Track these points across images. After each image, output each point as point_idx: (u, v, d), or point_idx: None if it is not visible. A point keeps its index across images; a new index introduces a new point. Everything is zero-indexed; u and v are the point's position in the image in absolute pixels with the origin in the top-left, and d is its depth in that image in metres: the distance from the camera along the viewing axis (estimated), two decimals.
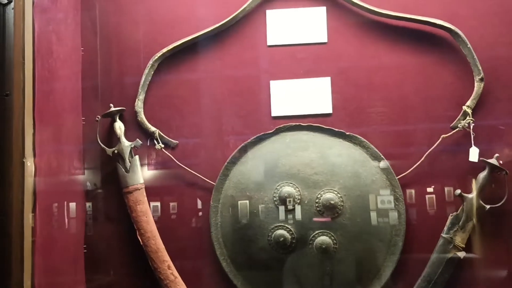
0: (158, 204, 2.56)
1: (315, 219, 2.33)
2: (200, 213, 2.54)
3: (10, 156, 1.87)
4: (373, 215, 2.36)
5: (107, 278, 2.57)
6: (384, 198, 2.38)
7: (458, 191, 2.32)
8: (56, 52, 2.34)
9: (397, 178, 2.41)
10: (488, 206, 2.29)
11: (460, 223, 2.31)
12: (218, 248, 2.47)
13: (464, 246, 2.30)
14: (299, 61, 2.55)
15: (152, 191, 2.55)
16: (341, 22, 2.55)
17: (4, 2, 1.90)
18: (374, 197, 2.37)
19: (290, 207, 2.35)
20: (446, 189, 2.39)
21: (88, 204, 2.59)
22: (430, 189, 2.41)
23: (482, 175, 2.32)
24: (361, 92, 2.53)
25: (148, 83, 2.59)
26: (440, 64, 2.48)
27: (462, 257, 2.29)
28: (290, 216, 2.35)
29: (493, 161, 2.30)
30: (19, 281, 1.87)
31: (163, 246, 2.48)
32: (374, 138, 2.48)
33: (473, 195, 2.31)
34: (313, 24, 2.55)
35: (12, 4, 1.90)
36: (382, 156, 2.43)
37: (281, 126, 2.51)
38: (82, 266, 2.52)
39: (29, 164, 1.98)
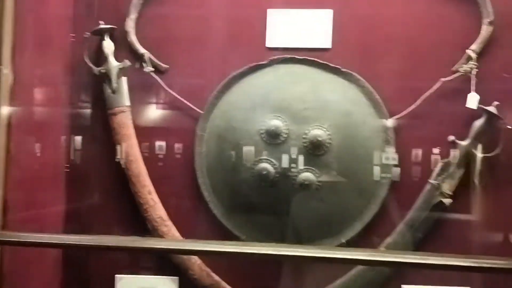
0: (143, 129, 2.49)
1: None
2: (186, 142, 2.48)
3: None
4: (362, 155, 2.28)
5: (88, 199, 2.54)
6: (374, 139, 2.30)
7: (452, 137, 2.22)
8: None
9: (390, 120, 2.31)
10: (480, 155, 2.20)
11: (450, 170, 2.22)
12: (201, 177, 2.42)
13: (451, 193, 2.22)
14: None
15: (138, 115, 2.48)
16: None
17: None
18: (364, 138, 2.29)
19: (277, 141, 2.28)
20: (439, 134, 2.28)
21: (73, 124, 2.54)
22: (423, 133, 2.31)
23: (478, 123, 2.21)
24: (363, 28, 2.39)
25: (141, 2, 2.48)
26: (449, 3, 2.33)
27: (448, 204, 2.22)
28: (275, 150, 2.28)
29: (491, 108, 2.19)
30: None
31: (146, 171, 2.43)
32: (372, 77, 2.35)
33: (466, 142, 2.22)
34: None
35: None
36: (378, 96, 2.33)
37: (274, 57, 2.40)
38: (63, 186, 2.50)
39: (6, 72, 1.92)
